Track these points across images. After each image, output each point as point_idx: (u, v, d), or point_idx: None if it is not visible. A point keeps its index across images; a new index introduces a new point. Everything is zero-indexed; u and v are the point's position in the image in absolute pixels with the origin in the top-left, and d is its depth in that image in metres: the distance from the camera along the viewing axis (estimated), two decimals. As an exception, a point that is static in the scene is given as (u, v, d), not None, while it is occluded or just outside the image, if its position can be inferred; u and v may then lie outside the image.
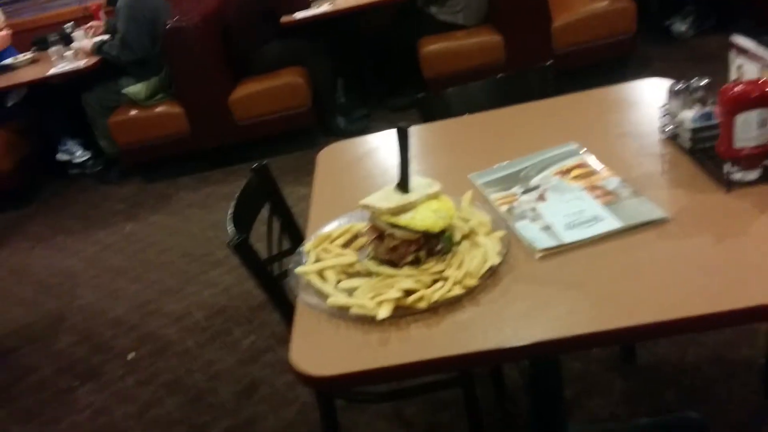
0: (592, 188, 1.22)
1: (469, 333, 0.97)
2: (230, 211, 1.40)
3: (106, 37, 4.11)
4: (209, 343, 2.52)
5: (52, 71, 3.97)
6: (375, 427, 1.93)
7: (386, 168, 1.60)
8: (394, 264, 1.08)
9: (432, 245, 1.07)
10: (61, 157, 4.55)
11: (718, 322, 0.98)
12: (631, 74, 3.61)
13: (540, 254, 1.07)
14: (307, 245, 1.22)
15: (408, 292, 1.02)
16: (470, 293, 1.01)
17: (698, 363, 1.90)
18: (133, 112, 4.05)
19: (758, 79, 1.13)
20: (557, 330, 0.93)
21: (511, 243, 1.10)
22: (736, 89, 1.11)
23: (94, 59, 4.01)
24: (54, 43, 4.26)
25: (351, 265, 1.13)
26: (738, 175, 1.12)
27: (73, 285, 3.22)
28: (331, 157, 1.70)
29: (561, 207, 1.19)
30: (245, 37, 4.05)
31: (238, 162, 4.04)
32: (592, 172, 1.28)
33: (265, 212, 1.59)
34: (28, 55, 4.45)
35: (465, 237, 1.11)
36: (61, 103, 4.35)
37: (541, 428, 1.47)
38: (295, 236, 1.64)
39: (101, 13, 4.56)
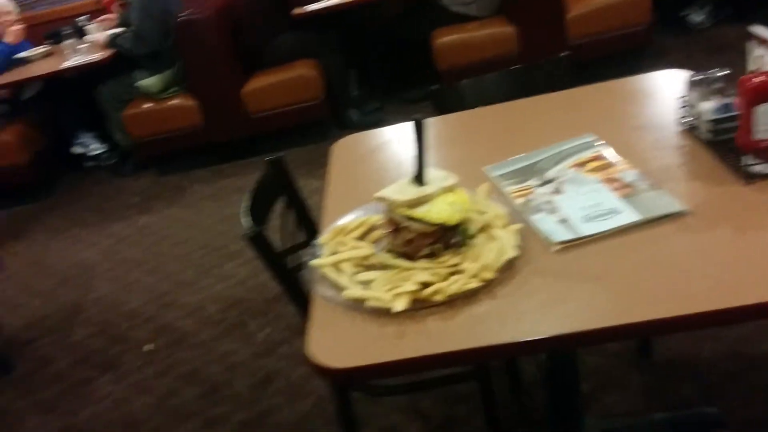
0: (609, 181, 1.21)
1: (486, 326, 0.97)
2: (245, 203, 1.40)
3: (119, 30, 4.13)
4: (225, 335, 2.54)
5: (66, 64, 3.99)
6: (390, 419, 1.94)
7: (401, 160, 1.59)
8: (409, 257, 1.08)
9: (448, 238, 1.07)
10: (76, 150, 4.59)
11: (737, 317, 0.97)
12: (646, 66, 3.57)
13: (557, 247, 1.06)
14: (323, 238, 1.23)
15: (424, 285, 1.02)
16: (487, 286, 1.01)
17: (715, 358, 1.89)
18: (147, 106, 4.07)
19: (779, 70, 1.12)
20: (574, 324, 0.93)
21: (528, 236, 1.10)
22: (756, 80, 1.09)
23: (107, 52, 4.02)
24: (67, 37, 4.28)
25: (367, 257, 1.13)
26: (758, 168, 1.11)
27: (90, 277, 3.25)
28: (345, 149, 1.70)
29: (578, 200, 1.18)
30: (257, 30, 4.05)
31: (251, 155, 4.05)
32: (609, 165, 1.27)
33: (279, 205, 1.59)
34: (42, 49, 4.47)
35: (481, 230, 1.11)
36: (75, 97, 4.38)
37: (557, 422, 1.47)
38: (310, 229, 1.65)
39: (114, 6, 4.57)
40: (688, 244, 1.02)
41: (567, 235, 1.08)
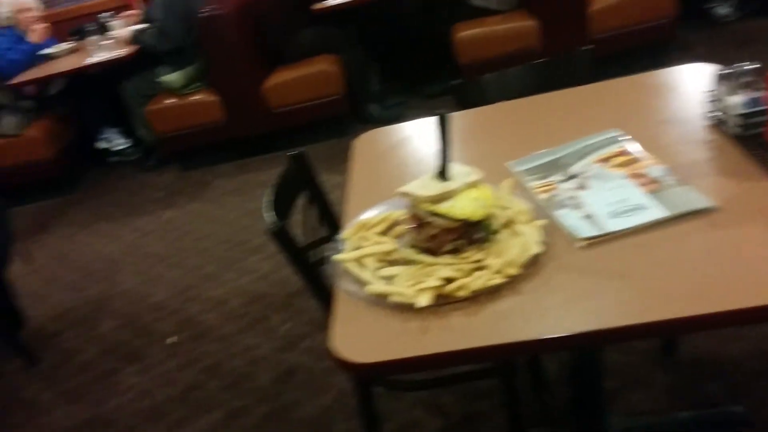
0: (635, 176, 1.20)
1: (510, 322, 0.96)
2: (268, 198, 1.41)
3: (143, 26, 4.16)
4: (247, 329, 2.56)
5: (90, 61, 4.03)
6: (412, 414, 1.95)
7: (422, 156, 1.59)
8: (433, 252, 1.08)
9: (471, 234, 1.07)
10: (100, 145, 4.65)
11: (765, 316, 0.96)
12: (670, 60, 3.51)
13: (581, 243, 1.06)
14: (345, 232, 1.23)
15: (448, 281, 1.02)
16: (511, 282, 1.01)
17: (741, 356, 1.87)
18: (170, 101, 4.11)
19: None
20: (599, 321, 0.92)
21: (552, 232, 1.09)
22: (786, 74, 1.08)
23: (131, 48, 4.06)
24: (91, 33, 4.33)
25: (389, 252, 1.13)
26: (787, 163, 1.10)
27: (115, 270, 3.29)
28: (366, 144, 1.70)
29: (603, 195, 1.17)
30: (277, 25, 4.06)
31: (273, 150, 4.07)
32: (635, 160, 1.25)
33: (301, 200, 1.59)
34: (66, 45, 4.52)
35: (505, 225, 1.11)
36: (99, 92, 4.44)
37: (580, 420, 1.46)
38: (332, 224, 1.65)
39: (137, 2, 4.62)
40: (716, 241, 1.00)
41: (592, 231, 1.07)
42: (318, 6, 3.88)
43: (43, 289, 3.27)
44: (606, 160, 1.29)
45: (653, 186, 1.15)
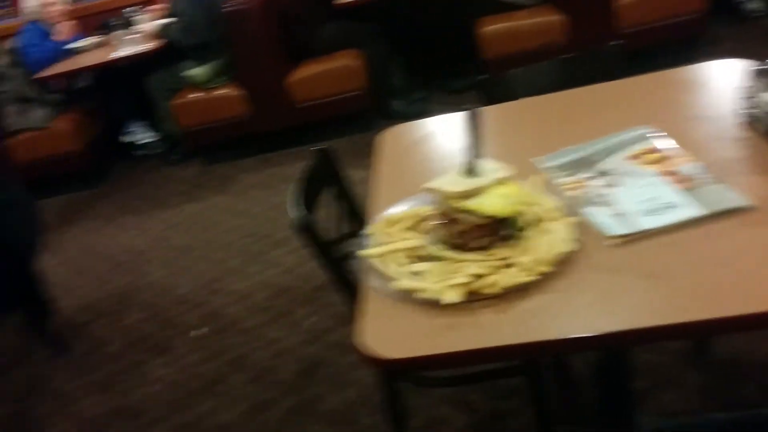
0: (667, 173, 1.18)
1: (539, 321, 0.96)
2: (294, 192, 1.41)
3: (169, 20, 4.20)
4: (272, 323, 2.58)
5: (116, 54, 4.07)
6: (438, 411, 1.95)
7: (448, 151, 1.59)
8: (461, 249, 1.08)
9: (500, 230, 1.07)
10: (126, 138, 4.70)
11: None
12: (699, 55, 3.47)
13: (613, 241, 1.05)
14: (371, 228, 1.23)
15: (476, 277, 1.01)
16: (540, 280, 1.00)
17: (777, 358, 1.84)
18: (195, 95, 4.14)
19: None
20: (630, 321, 0.91)
21: (582, 229, 1.08)
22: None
23: (157, 42, 4.10)
24: (117, 27, 4.38)
25: (417, 249, 1.13)
26: (825, 161, 1.07)
27: (141, 262, 3.34)
28: (391, 139, 1.70)
29: (634, 193, 1.16)
30: (301, 20, 4.07)
31: (296, 144, 4.09)
32: (666, 157, 1.24)
33: (325, 194, 1.60)
34: (94, 39, 4.57)
35: (533, 223, 1.10)
36: (125, 86, 4.48)
37: (608, 420, 1.45)
38: (357, 219, 1.66)
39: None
40: (751, 241, 0.99)
41: (623, 229, 1.06)
42: (340, 0, 3.88)
43: (71, 280, 3.33)
44: (637, 156, 1.27)
45: (686, 184, 1.13)
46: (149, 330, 2.76)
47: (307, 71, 4.04)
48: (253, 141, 4.26)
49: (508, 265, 1.02)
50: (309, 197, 1.49)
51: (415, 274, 1.08)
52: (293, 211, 1.36)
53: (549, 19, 3.74)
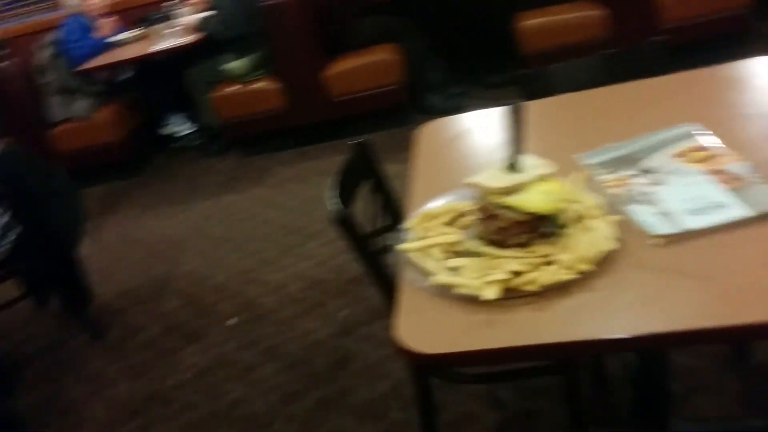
0: (714, 172, 1.15)
1: (579, 320, 0.94)
2: (331, 185, 1.41)
3: (209, 14, 4.24)
4: (305, 314, 2.60)
5: (157, 48, 4.13)
6: (467, 407, 1.93)
7: (487, 147, 1.57)
8: (500, 245, 1.07)
9: (540, 227, 1.05)
10: (166, 130, 4.77)
11: None
12: (744, 52, 3.36)
13: (657, 241, 1.02)
14: (410, 222, 1.23)
15: (515, 274, 1.00)
16: (581, 279, 0.98)
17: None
18: (233, 88, 4.17)
19: None
20: (673, 322, 0.89)
21: (625, 228, 1.06)
22: None
23: (197, 36, 4.14)
24: (158, 21, 4.44)
25: (455, 244, 1.12)
26: None
27: (178, 251, 3.39)
28: (430, 134, 1.69)
29: (679, 191, 1.13)
30: (339, 14, 4.07)
31: (332, 138, 4.10)
32: (713, 155, 1.20)
33: (362, 188, 1.60)
34: (135, 32, 4.64)
35: (575, 220, 1.08)
36: (165, 79, 4.54)
37: (644, 422, 1.43)
38: (393, 213, 1.66)
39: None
40: (802, 243, 0.96)
41: (668, 229, 1.03)
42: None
43: (110, 266, 3.40)
44: (682, 154, 1.24)
45: (734, 183, 1.10)
46: (184, 318, 2.81)
47: (344, 65, 4.04)
48: (290, 134, 4.29)
49: (548, 263, 1.01)
50: (347, 190, 1.49)
51: (453, 269, 1.07)
52: (331, 204, 1.36)
53: (589, 13, 3.68)
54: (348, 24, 4.09)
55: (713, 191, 1.10)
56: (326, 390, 2.19)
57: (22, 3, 5.14)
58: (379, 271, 1.41)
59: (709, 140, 1.25)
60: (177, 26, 4.30)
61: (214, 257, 3.23)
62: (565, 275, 0.98)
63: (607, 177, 1.24)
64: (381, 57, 3.99)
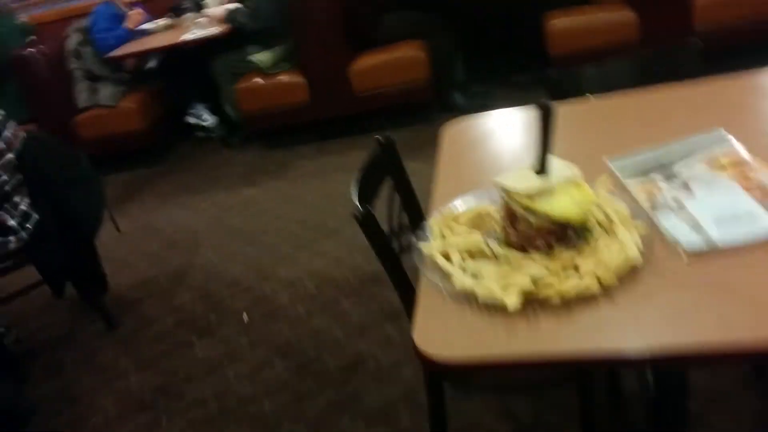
0: (747, 182, 1.10)
1: (601, 332, 0.90)
2: (355, 183, 1.37)
3: (236, 5, 4.23)
4: (318, 312, 2.56)
5: (186, 38, 4.12)
6: (479, 417, 1.88)
7: (513, 147, 1.53)
8: (524, 249, 1.02)
9: (566, 233, 1.00)
10: (190, 120, 4.77)
11: None
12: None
13: (686, 252, 0.97)
14: (431, 222, 1.18)
15: (537, 280, 0.96)
16: (606, 289, 0.93)
17: None
18: (258, 80, 4.15)
19: None
20: (698, 339, 0.84)
21: (653, 237, 1.01)
22: None
23: (225, 27, 4.13)
24: (187, 10, 4.44)
25: (477, 246, 1.08)
26: None
27: (196, 243, 3.38)
28: (455, 132, 1.65)
29: (710, 201, 1.07)
30: (365, 8, 4.03)
31: (352, 133, 4.07)
32: (746, 164, 1.15)
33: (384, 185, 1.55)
34: (164, 22, 4.65)
35: (601, 227, 1.03)
36: (191, 68, 4.54)
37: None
38: (414, 212, 1.61)
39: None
40: None
41: (698, 240, 0.98)
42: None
43: (127, 256, 3.39)
44: (714, 163, 1.19)
45: (764, 194, 1.04)
46: (198, 311, 2.79)
47: (370, 61, 4.00)
48: (311, 128, 4.26)
49: (572, 271, 0.96)
50: (369, 187, 1.45)
51: (474, 272, 1.02)
52: (354, 203, 1.32)
53: (621, 15, 3.60)
54: (375, 19, 4.04)
55: (746, 203, 1.04)
56: (336, 392, 2.15)
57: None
58: (399, 272, 1.37)
59: (743, 149, 1.19)
60: (206, 16, 4.29)
61: (230, 250, 3.21)
62: (588, 285, 0.93)
63: (636, 183, 1.19)
64: (407, 53, 3.94)
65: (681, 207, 1.08)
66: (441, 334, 0.97)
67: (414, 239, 1.17)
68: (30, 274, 2.59)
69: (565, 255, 0.99)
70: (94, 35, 4.40)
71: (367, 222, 1.28)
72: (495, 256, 1.04)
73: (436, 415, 1.52)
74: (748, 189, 1.08)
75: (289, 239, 3.16)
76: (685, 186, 1.14)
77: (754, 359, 1.44)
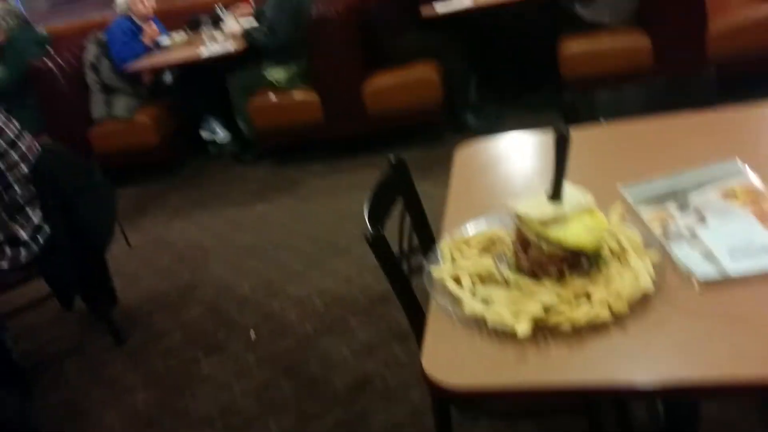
0: (762, 213, 1.09)
1: (612, 362, 0.89)
2: (366, 203, 1.38)
3: (254, 25, 4.26)
4: (327, 331, 2.55)
5: (203, 54, 4.15)
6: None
7: (526, 171, 1.53)
8: (535, 276, 1.02)
9: (578, 261, 1.00)
10: (204, 135, 4.80)
11: None
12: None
13: (699, 283, 0.96)
14: (442, 245, 1.18)
15: (549, 308, 0.95)
16: (617, 318, 0.93)
17: None
18: (273, 97, 4.18)
19: None
20: (711, 371, 0.84)
21: (666, 267, 1.00)
22: None
23: (242, 43, 4.17)
24: (206, 25, 4.48)
25: (488, 271, 1.08)
26: None
27: (206, 258, 3.38)
28: (467, 155, 1.65)
29: (725, 232, 1.07)
30: (383, 27, 4.06)
31: (364, 153, 4.08)
32: (761, 196, 1.14)
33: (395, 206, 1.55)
34: (180, 37, 4.68)
35: (614, 255, 1.03)
36: (207, 83, 4.58)
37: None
38: (425, 234, 1.61)
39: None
40: None
41: (711, 271, 0.97)
42: (427, 12, 3.83)
43: (137, 270, 3.40)
44: (729, 193, 1.18)
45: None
46: (207, 327, 2.79)
47: (383, 81, 4.02)
48: (323, 146, 4.28)
49: (584, 299, 0.96)
50: (381, 207, 1.45)
51: (485, 298, 1.02)
52: (366, 224, 1.32)
53: (635, 42, 3.60)
54: (391, 38, 4.07)
55: (757, 232, 1.04)
56: (343, 413, 2.13)
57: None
58: (408, 294, 1.37)
59: (755, 179, 1.19)
60: (223, 32, 4.33)
61: (240, 266, 3.21)
62: (600, 314, 0.92)
63: (648, 210, 1.18)
64: (420, 74, 3.96)
65: (694, 236, 1.08)
66: (450, 359, 0.97)
67: (424, 262, 1.17)
68: (39, 287, 2.60)
69: (577, 282, 0.98)
70: (111, 48, 4.45)
71: (377, 244, 1.28)
72: (506, 282, 1.03)
73: (444, 440, 1.51)
74: (762, 219, 1.07)
75: (299, 257, 3.16)
76: (699, 215, 1.14)
77: (763, 392, 1.42)
